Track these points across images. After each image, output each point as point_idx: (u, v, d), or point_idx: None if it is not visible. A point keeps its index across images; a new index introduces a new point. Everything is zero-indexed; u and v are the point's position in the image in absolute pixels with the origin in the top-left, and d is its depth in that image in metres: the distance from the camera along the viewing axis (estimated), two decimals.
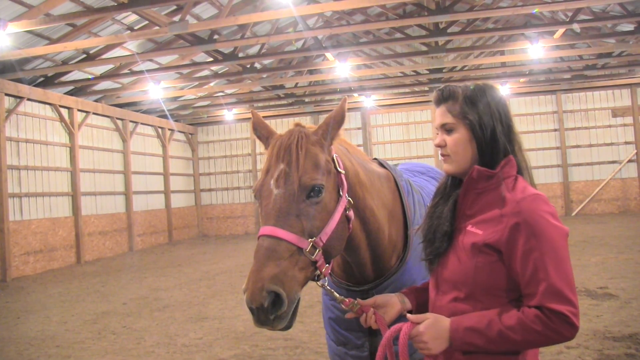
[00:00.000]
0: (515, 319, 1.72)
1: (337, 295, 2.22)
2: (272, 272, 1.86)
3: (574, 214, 21.57)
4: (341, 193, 2.15)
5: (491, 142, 1.90)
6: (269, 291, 1.83)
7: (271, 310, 1.84)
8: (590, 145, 21.80)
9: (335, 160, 2.19)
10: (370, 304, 2.15)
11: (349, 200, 2.18)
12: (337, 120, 2.20)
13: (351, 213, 2.19)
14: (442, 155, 1.98)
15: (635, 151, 21.23)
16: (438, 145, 1.98)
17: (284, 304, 1.84)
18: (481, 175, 1.87)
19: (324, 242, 2.01)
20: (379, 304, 2.15)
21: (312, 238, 1.98)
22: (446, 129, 1.95)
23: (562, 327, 1.69)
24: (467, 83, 2.02)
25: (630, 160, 21.33)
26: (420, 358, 2.13)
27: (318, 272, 2.03)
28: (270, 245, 1.92)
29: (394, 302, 2.14)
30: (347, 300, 2.19)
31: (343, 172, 2.20)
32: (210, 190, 25.08)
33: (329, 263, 2.08)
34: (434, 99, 2.01)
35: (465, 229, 1.89)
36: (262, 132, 2.30)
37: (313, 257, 1.97)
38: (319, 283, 2.17)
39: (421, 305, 2.15)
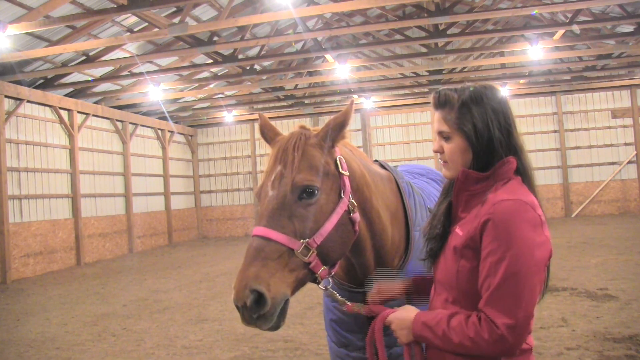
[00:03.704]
0: (458, 321, 1.71)
1: (340, 297, 2.23)
2: (256, 272, 1.87)
3: (573, 215, 21.57)
4: (342, 195, 2.14)
5: (487, 149, 1.84)
6: (251, 290, 1.83)
7: (254, 309, 1.84)
8: (590, 147, 21.81)
9: (339, 161, 2.19)
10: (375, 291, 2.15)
11: (352, 202, 2.17)
12: (339, 122, 2.19)
13: (356, 215, 2.18)
14: (441, 160, 1.96)
15: (635, 152, 21.23)
16: (436, 152, 1.95)
17: (267, 304, 1.84)
18: (469, 178, 1.85)
19: (318, 243, 2.00)
20: (383, 290, 2.16)
21: (304, 239, 1.97)
22: (443, 136, 1.92)
23: (490, 338, 1.63)
24: (465, 85, 1.94)
25: (630, 162, 21.34)
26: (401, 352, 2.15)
27: (315, 274, 2.02)
28: (259, 245, 1.93)
29: (396, 284, 2.17)
30: (350, 305, 2.20)
31: (347, 174, 2.19)
32: (210, 192, 25.08)
33: (327, 265, 2.07)
34: (431, 103, 1.97)
35: (454, 230, 1.88)
36: (269, 135, 2.33)
37: (306, 258, 1.96)
38: (321, 286, 2.17)
39: (420, 291, 2.16)
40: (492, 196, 1.78)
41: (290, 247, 1.95)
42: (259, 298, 1.84)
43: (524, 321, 1.63)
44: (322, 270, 2.03)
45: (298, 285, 2.00)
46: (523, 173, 1.88)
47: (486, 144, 1.84)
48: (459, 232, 1.82)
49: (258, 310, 1.85)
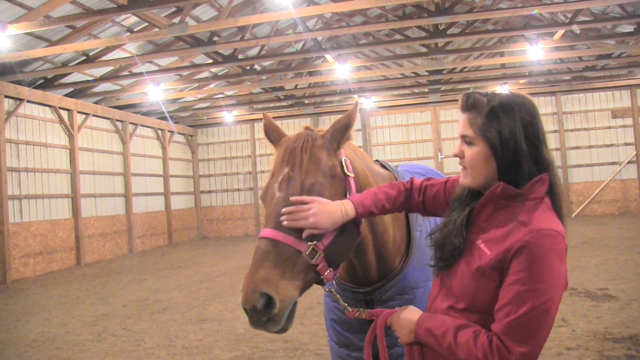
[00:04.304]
0: (466, 338, 1.69)
1: (343, 302, 2.22)
2: (265, 274, 1.86)
3: (573, 215, 21.56)
4: (348, 197, 2.14)
5: (513, 163, 1.76)
6: (261, 293, 1.82)
7: (264, 312, 1.84)
8: (590, 147, 21.81)
9: (344, 163, 2.19)
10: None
11: None
12: (344, 123, 2.20)
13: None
14: (460, 165, 1.89)
15: (635, 152, 21.23)
16: (456, 155, 1.88)
17: (275, 307, 1.84)
18: (505, 193, 1.77)
19: (325, 245, 2.00)
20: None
21: (312, 242, 1.97)
22: (466, 141, 1.84)
23: None
24: (496, 91, 1.87)
25: (630, 162, 21.33)
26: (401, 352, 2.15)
27: (321, 276, 2.02)
28: (267, 247, 1.92)
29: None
30: (351, 310, 2.19)
31: (352, 175, 2.20)
32: (210, 192, 25.08)
33: (333, 267, 2.06)
34: (459, 104, 1.90)
35: (475, 242, 1.82)
36: (273, 135, 2.32)
37: (313, 260, 1.95)
38: (326, 288, 2.16)
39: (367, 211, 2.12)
40: (527, 220, 1.71)
41: (298, 249, 1.94)
42: (268, 301, 1.84)
43: (538, 350, 1.64)
44: (328, 272, 2.03)
45: (305, 287, 2.00)
46: (553, 194, 1.81)
47: (512, 156, 1.76)
48: (486, 250, 1.76)
49: (267, 313, 1.84)
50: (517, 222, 1.72)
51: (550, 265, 1.64)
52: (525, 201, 1.75)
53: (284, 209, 1.98)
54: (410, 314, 1.89)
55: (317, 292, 2.12)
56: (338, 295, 2.23)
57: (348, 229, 2.10)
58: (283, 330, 1.92)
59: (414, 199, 2.23)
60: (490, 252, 1.74)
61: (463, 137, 1.85)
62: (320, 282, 2.08)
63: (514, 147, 1.76)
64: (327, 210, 1.98)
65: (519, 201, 1.76)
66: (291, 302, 1.90)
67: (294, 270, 1.92)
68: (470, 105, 1.84)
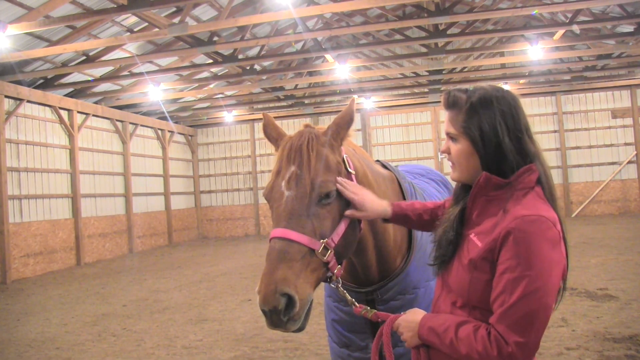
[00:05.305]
0: (467, 332, 1.69)
1: (350, 298, 2.22)
2: (284, 275, 1.86)
3: (573, 215, 21.56)
4: None
5: (496, 156, 1.78)
6: (281, 293, 1.82)
7: (284, 312, 1.84)
8: (590, 147, 21.81)
9: (346, 160, 2.21)
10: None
11: None
12: (346, 121, 2.21)
13: None
14: (449, 161, 1.93)
15: (635, 152, 21.23)
16: (443, 152, 1.92)
17: (296, 306, 1.84)
18: (489, 183, 1.79)
19: (336, 242, 2.02)
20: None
21: (323, 239, 1.98)
22: (450, 137, 1.88)
23: (499, 355, 1.60)
24: (477, 86, 1.87)
25: (630, 162, 21.34)
26: (405, 351, 2.16)
27: (330, 273, 2.04)
28: (282, 247, 1.92)
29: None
30: (358, 307, 2.19)
31: (353, 172, 2.21)
32: (210, 192, 25.08)
33: (340, 264, 2.08)
34: (441, 102, 1.93)
35: (469, 236, 1.83)
36: (272, 134, 2.33)
37: (325, 258, 1.97)
38: (332, 285, 2.17)
39: (399, 217, 2.24)
40: (513, 208, 1.72)
41: (312, 247, 1.94)
42: (289, 301, 1.84)
43: (536, 340, 1.62)
44: (337, 269, 2.05)
45: (317, 285, 2.01)
46: (543, 182, 1.81)
47: (494, 150, 1.78)
48: (477, 242, 1.77)
49: (288, 313, 1.85)
50: (504, 211, 1.74)
51: (540, 252, 1.62)
52: (514, 191, 1.76)
53: (338, 178, 2.09)
54: (414, 316, 1.89)
55: (317, 292, 2.12)
56: (345, 292, 2.23)
57: (353, 225, 2.13)
58: (301, 328, 1.92)
59: (439, 214, 2.27)
60: (480, 244, 1.75)
61: (448, 135, 1.90)
62: (329, 279, 2.09)
63: (496, 141, 1.78)
64: (371, 198, 2.12)
65: (508, 192, 1.77)
66: (309, 301, 1.92)
67: (308, 268, 1.93)
68: (451, 103, 1.88)
